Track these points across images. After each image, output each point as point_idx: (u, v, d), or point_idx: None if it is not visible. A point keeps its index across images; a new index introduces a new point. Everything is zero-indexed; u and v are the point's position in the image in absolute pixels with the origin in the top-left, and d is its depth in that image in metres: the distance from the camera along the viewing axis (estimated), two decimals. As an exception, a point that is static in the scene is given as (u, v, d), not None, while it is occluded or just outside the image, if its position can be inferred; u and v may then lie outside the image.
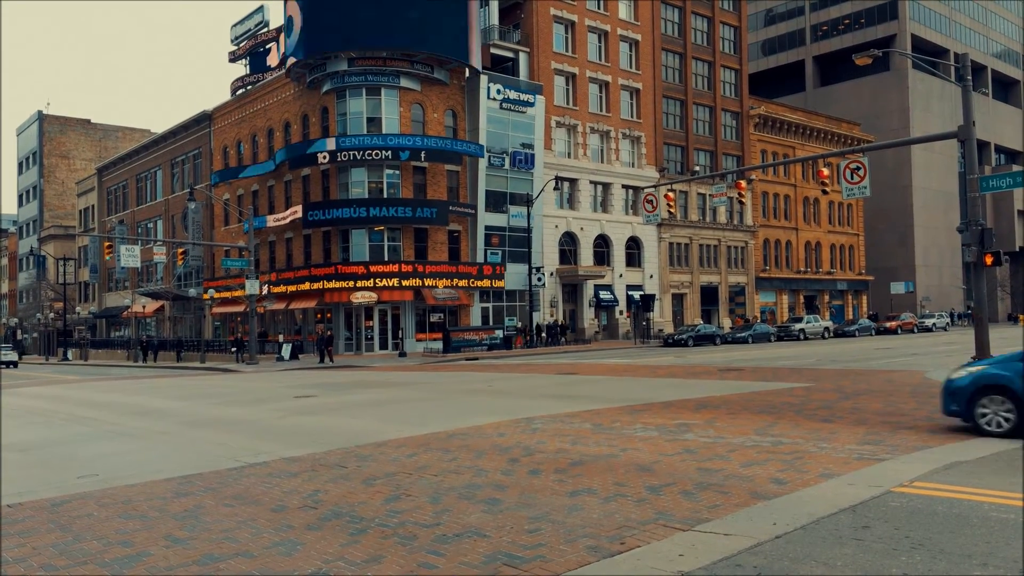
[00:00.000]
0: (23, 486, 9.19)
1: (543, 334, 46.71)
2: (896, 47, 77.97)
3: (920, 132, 74.72)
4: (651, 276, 56.20)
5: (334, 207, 43.09)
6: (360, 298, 41.44)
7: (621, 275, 54.28)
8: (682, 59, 59.95)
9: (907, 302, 76.60)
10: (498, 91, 46.69)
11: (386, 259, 43.08)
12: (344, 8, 42.56)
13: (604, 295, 52.83)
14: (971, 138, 20.92)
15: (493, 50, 48.34)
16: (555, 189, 47.01)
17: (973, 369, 10.80)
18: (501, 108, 46.93)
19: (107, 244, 45.42)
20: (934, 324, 61.94)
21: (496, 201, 47.15)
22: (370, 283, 41.80)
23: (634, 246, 55.61)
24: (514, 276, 47.34)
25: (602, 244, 53.80)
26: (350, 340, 44.20)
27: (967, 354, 23.05)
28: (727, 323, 60.01)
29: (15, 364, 54.66)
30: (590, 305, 52.46)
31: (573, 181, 51.78)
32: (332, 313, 44.59)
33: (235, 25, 60.80)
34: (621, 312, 53.71)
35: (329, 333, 40.22)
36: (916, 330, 59.04)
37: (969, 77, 21.15)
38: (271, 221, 48.11)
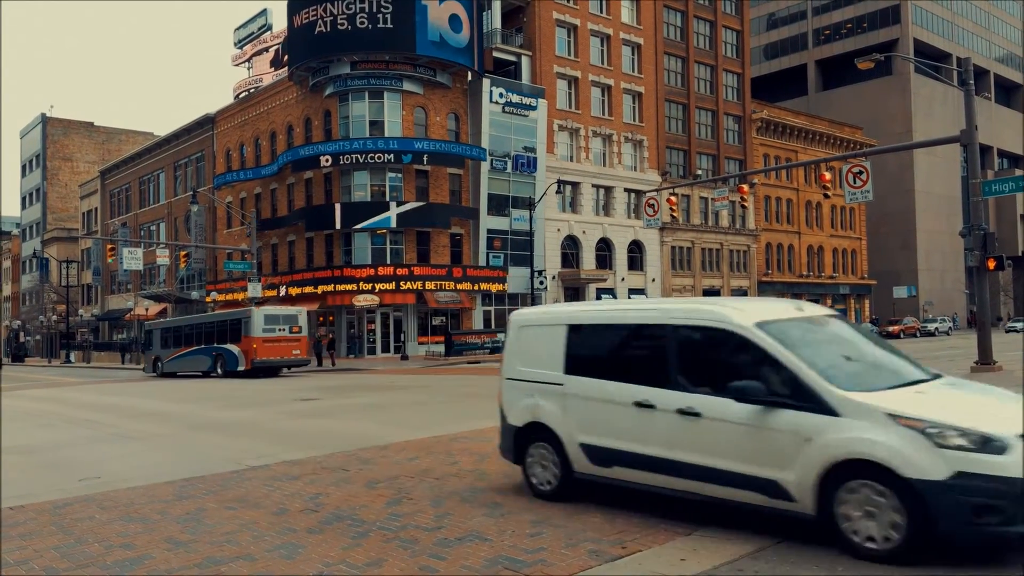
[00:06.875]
0: (25, 488, 9.18)
1: None
2: (898, 51, 78.01)
3: (922, 136, 74.59)
4: (653, 280, 56.17)
5: (337, 210, 43.12)
6: (362, 301, 41.47)
7: (623, 279, 54.25)
8: (684, 63, 59.97)
9: (909, 306, 76.51)
10: (500, 95, 46.71)
11: (388, 262, 43.11)
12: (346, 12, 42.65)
13: (606, 299, 52.82)
14: (973, 142, 20.92)
15: (496, 53, 48.38)
16: (557, 192, 46.96)
17: None
18: (503, 111, 46.95)
19: (110, 247, 45.49)
20: (936, 328, 61.82)
21: (498, 204, 47.16)
22: (372, 286, 41.85)
23: (636, 250, 55.59)
24: (516, 279, 47.34)
25: (604, 248, 53.78)
26: (352, 343, 44.20)
27: (969, 358, 23.00)
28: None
29: None
30: (592, 309, 52.33)
31: (575, 184, 51.78)
32: (335, 316, 44.61)
33: (238, 28, 60.96)
34: (623, 316, 53.56)
35: (331, 336, 40.22)
36: (919, 334, 58.90)
37: (971, 81, 21.15)
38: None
